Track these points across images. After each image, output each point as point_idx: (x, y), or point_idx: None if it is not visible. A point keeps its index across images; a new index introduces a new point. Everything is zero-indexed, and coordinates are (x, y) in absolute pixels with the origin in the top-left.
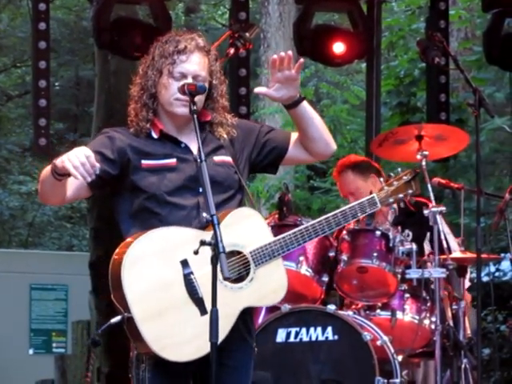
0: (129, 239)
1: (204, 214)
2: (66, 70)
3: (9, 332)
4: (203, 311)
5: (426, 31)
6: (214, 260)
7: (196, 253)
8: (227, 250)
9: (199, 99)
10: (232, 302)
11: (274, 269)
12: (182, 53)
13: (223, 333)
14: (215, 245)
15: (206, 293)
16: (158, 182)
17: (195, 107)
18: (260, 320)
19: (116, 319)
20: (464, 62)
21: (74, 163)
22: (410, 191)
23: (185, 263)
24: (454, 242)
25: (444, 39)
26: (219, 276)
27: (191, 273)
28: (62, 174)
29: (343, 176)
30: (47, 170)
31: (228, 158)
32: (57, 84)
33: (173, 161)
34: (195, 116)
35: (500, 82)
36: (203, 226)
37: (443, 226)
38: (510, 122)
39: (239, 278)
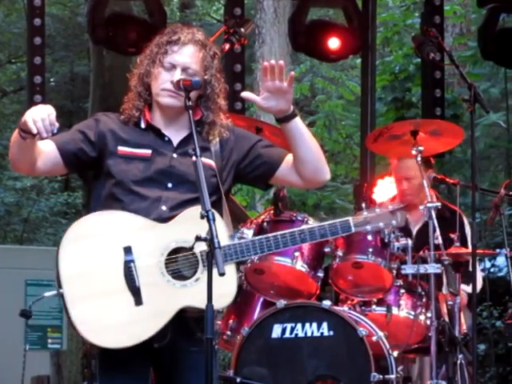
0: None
1: (163, 208)
2: (61, 66)
3: (4, 328)
4: (138, 301)
5: (421, 27)
6: (210, 255)
7: (191, 249)
8: (178, 245)
9: (193, 95)
10: (172, 298)
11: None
12: (174, 43)
13: (157, 327)
14: (210, 240)
15: (144, 284)
16: (127, 169)
17: (190, 103)
18: (255, 316)
19: (50, 293)
20: (459, 57)
21: (34, 117)
22: (394, 222)
23: (128, 250)
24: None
25: (439, 35)
26: (163, 271)
27: (132, 261)
28: (26, 131)
29: (407, 160)
30: (16, 131)
31: (209, 161)
32: (52, 80)
33: (148, 151)
34: (190, 112)
35: (495, 77)
36: (162, 221)
37: (466, 226)
38: (505, 118)
39: (183, 276)
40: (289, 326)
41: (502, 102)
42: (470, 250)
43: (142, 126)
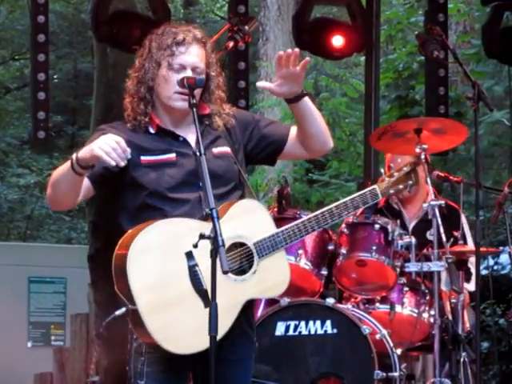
0: (131, 231)
1: (207, 208)
2: (65, 63)
3: (7, 325)
4: (207, 304)
5: (425, 25)
6: (214, 253)
7: (195, 246)
8: (231, 241)
9: (197, 92)
10: (235, 294)
11: (276, 261)
12: (180, 44)
13: (226, 325)
14: (214, 238)
15: (209, 285)
16: (158, 178)
17: (194, 101)
18: (259, 313)
19: (121, 311)
20: (463, 55)
21: (106, 149)
22: (410, 182)
23: (190, 255)
24: (470, 239)
25: (443, 33)
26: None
27: (196, 265)
28: (85, 167)
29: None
30: (63, 169)
31: (227, 149)
32: (55, 77)
33: (172, 156)
34: (195, 109)
35: (499, 75)
36: (206, 219)
37: (464, 223)
38: (509, 116)
39: (243, 271)
40: (292, 323)
41: (505, 100)
42: (472, 248)
43: (152, 130)
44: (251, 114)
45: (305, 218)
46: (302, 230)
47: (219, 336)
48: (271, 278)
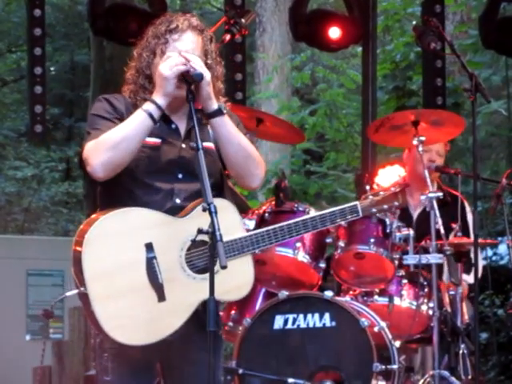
0: (95, 215)
1: (177, 201)
2: (61, 55)
3: (5, 318)
4: (161, 297)
5: (422, 16)
6: (212, 249)
7: (193, 241)
8: (199, 237)
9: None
10: (193, 292)
11: (241, 264)
12: (173, 32)
13: (179, 322)
14: (212, 233)
15: (166, 279)
16: (138, 158)
17: (191, 95)
18: (257, 307)
19: (71, 293)
20: (460, 45)
21: (181, 61)
22: (396, 203)
23: (149, 246)
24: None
25: (440, 24)
26: (183, 265)
27: (154, 257)
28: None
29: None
30: (130, 126)
31: (210, 144)
32: (52, 69)
33: (158, 141)
34: (192, 104)
35: (496, 65)
36: (174, 213)
37: (468, 212)
38: (506, 106)
39: (204, 269)
40: (291, 316)
41: (503, 90)
42: (471, 239)
43: None
44: (243, 127)
45: (277, 225)
46: (271, 236)
47: (168, 332)
48: (233, 280)
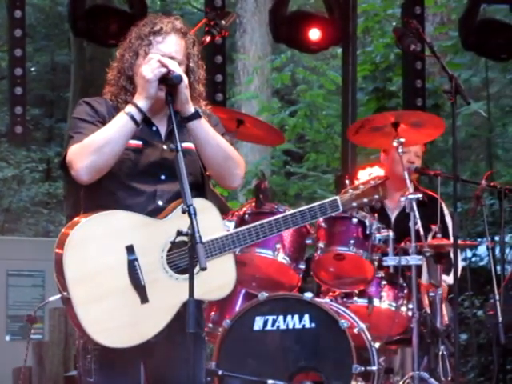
0: (77, 218)
1: (159, 203)
2: (42, 56)
3: None
4: (144, 299)
5: (402, 17)
6: (191, 250)
7: (173, 243)
8: (176, 240)
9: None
10: (176, 293)
11: (223, 264)
12: (157, 34)
13: (163, 323)
14: (192, 235)
15: (149, 281)
16: (120, 161)
17: (170, 97)
18: (237, 308)
19: (54, 297)
20: (440, 47)
21: (163, 64)
22: (377, 196)
23: (130, 249)
24: (451, 228)
25: (420, 26)
26: (165, 266)
27: (136, 259)
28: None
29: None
30: (113, 129)
31: (191, 145)
32: (32, 69)
33: (139, 143)
34: (171, 106)
35: (476, 66)
36: (157, 214)
37: (446, 215)
38: (486, 107)
39: (186, 270)
40: (270, 318)
41: (482, 91)
42: (451, 240)
43: None
44: (223, 129)
45: (258, 222)
46: (252, 234)
47: (152, 334)
48: (215, 280)
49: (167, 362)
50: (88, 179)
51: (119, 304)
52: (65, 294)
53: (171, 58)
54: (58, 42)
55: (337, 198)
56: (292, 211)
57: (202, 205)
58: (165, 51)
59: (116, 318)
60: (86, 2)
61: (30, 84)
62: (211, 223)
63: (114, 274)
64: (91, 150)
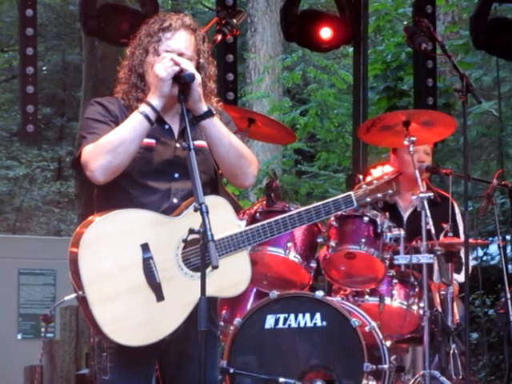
0: (91, 217)
1: (174, 201)
2: (53, 55)
3: None
4: (160, 297)
5: (413, 16)
6: (203, 248)
7: (185, 241)
8: (191, 237)
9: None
10: (191, 290)
11: (238, 261)
12: (166, 30)
13: (179, 321)
14: (204, 233)
15: (164, 278)
16: (134, 160)
17: (183, 96)
18: (248, 306)
19: (70, 297)
20: (451, 46)
21: (175, 62)
22: (390, 191)
23: (145, 247)
24: (462, 227)
25: (431, 25)
26: (180, 264)
27: (151, 257)
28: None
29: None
30: (127, 129)
31: (203, 143)
32: (44, 68)
33: (152, 141)
34: (184, 104)
35: (487, 65)
36: (171, 212)
37: (457, 214)
38: (497, 106)
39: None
40: (282, 316)
41: (494, 91)
42: (462, 239)
43: None
44: (234, 126)
45: (272, 219)
46: (266, 231)
47: (168, 332)
48: (230, 277)
49: (182, 359)
50: (104, 179)
51: (135, 302)
52: (80, 293)
53: (180, 54)
54: (69, 41)
55: (351, 193)
56: (307, 207)
57: (216, 201)
58: (174, 47)
59: (132, 317)
60: (98, 1)
61: (41, 83)
62: (225, 219)
63: (129, 273)
64: (106, 150)
